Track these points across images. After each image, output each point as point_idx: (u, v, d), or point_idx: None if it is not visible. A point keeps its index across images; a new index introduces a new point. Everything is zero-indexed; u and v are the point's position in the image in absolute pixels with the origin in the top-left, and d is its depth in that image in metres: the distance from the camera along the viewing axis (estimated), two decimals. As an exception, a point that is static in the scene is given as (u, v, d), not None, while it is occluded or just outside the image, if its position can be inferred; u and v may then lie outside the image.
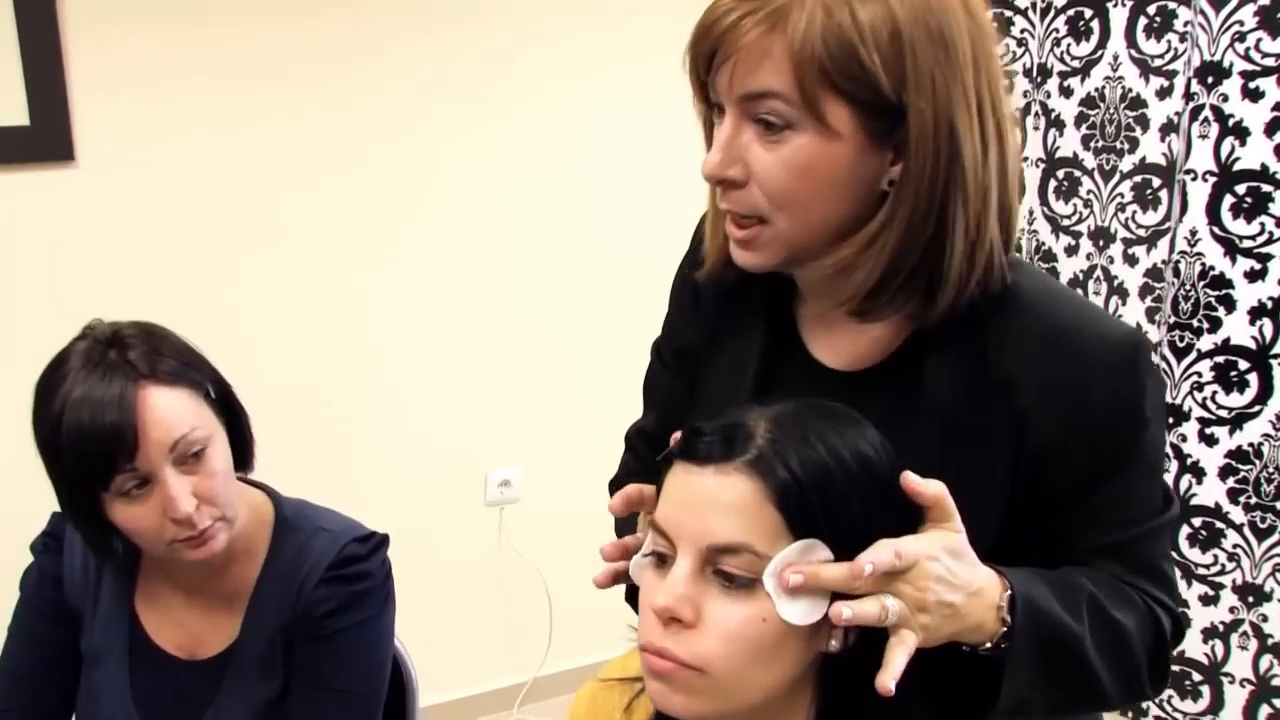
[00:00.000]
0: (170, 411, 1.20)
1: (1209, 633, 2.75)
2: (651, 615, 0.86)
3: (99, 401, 1.17)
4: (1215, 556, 2.71)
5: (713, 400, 1.09)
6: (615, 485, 1.26)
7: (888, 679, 0.82)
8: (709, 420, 0.89)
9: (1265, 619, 2.67)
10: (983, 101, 0.92)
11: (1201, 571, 2.73)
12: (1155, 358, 2.64)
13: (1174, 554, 2.77)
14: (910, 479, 0.86)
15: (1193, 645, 2.78)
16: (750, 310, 1.10)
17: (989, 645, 0.89)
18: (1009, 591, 0.88)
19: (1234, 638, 2.73)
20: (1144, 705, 2.90)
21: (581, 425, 2.88)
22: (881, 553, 0.83)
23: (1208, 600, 2.72)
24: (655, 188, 2.86)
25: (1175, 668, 2.77)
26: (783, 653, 0.85)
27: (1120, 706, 0.97)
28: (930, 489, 0.86)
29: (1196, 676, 2.80)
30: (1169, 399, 2.68)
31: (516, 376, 2.81)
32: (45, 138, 2.24)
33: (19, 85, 2.18)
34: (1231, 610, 2.71)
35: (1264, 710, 2.72)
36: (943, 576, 0.84)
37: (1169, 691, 2.84)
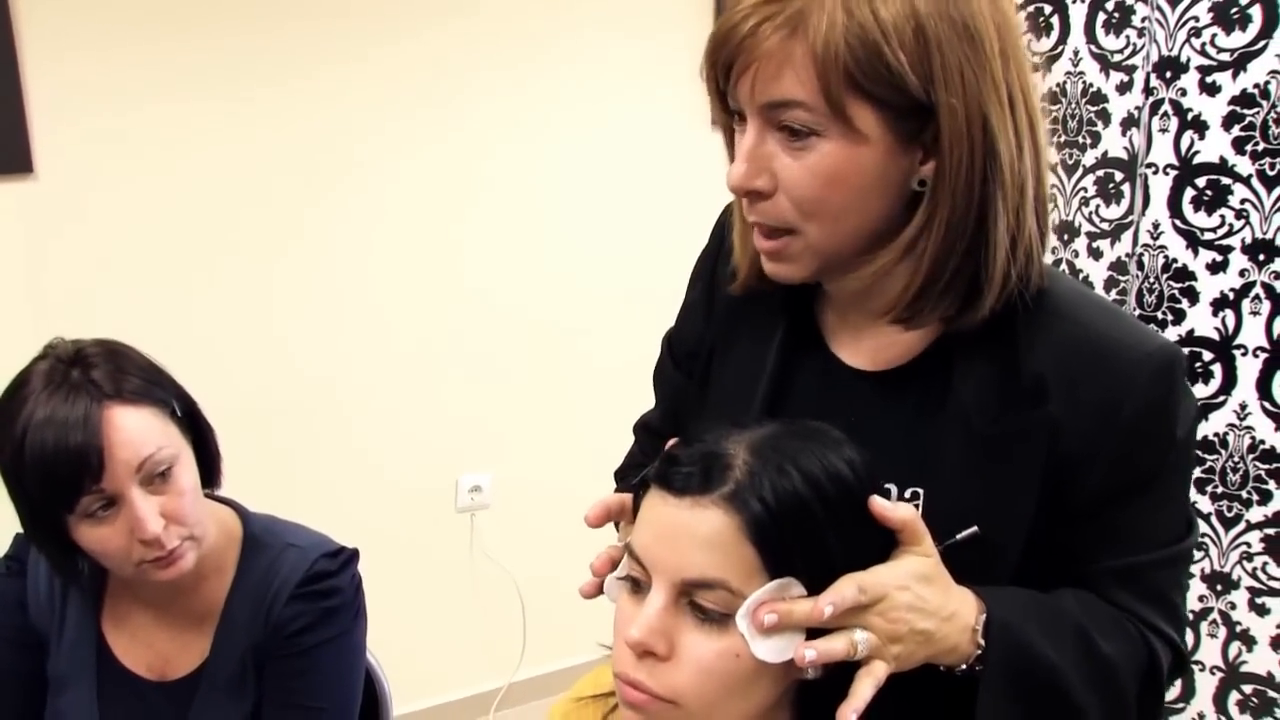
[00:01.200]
0: (136, 431, 1.20)
1: (1179, 622, 2.78)
2: (626, 649, 0.85)
3: (63, 422, 1.16)
4: (1184, 546, 2.74)
5: (726, 399, 1.06)
6: (620, 475, 1.24)
7: (849, 711, 0.82)
8: (687, 448, 0.87)
9: (1234, 606, 2.70)
10: (1014, 93, 0.89)
11: (1171, 561, 2.76)
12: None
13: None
14: (878, 504, 0.85)
15: (1163, 634, 2.82)
16: (770, 308, 1.06)
17: (964, 666, 0.88)
18: (984, 615, 0.88)
19: (1204, 626, 2.76)
20: (1116, 695, 2.93)
21: (550, 431, 2.89)
22: (844, 591, 0.82)
23: (1177, 590, 2.76)
24: (626, 199, 2.87)
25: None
26: (757, 685, 0.85)
27: None
28: (898, 513, 0.85)
29: (1168, 665, 2.83)
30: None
31: (486, 383, 2.82)
32: (3, 151, 2.23)
33: (-26, 100, 2.17)
34: (1201, 599, 2.74)
35: (1233, 696, 2.75)
36: (914, 605, 0.84)
37: (1140, 681, 2.87)
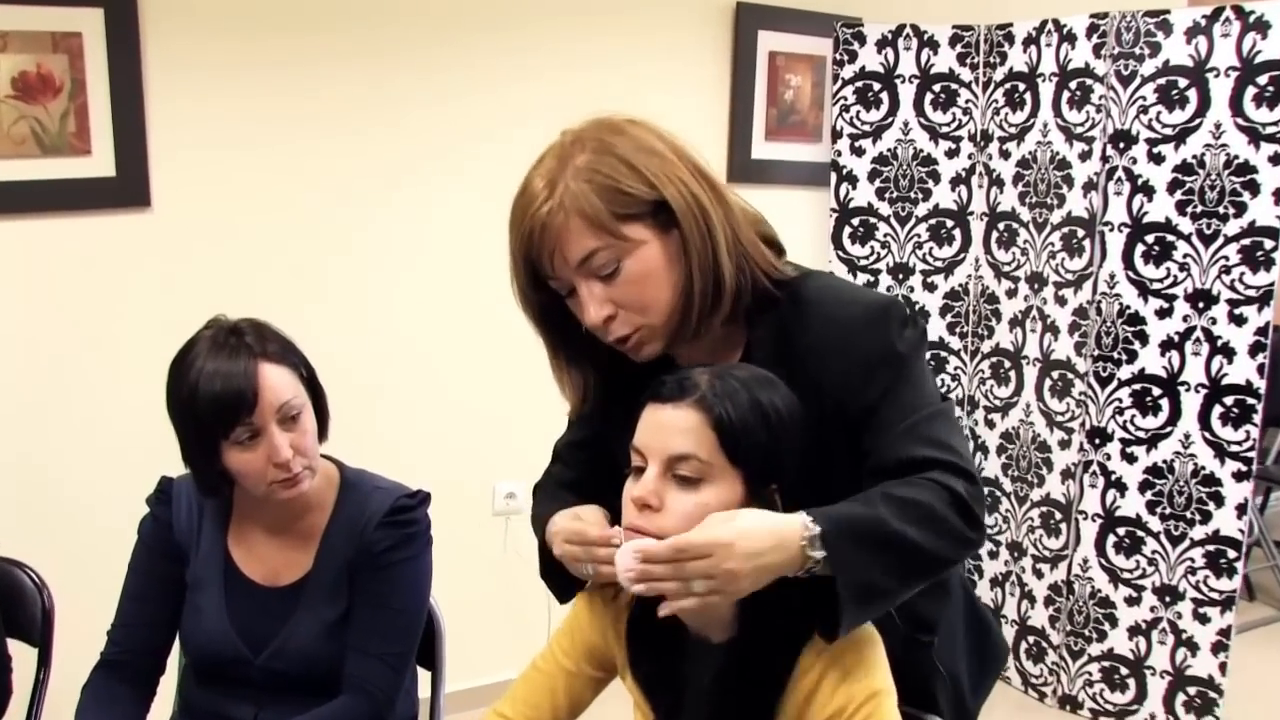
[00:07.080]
0: (278, 382, 1.56)
1: (1133, 630, 3.07)
2: (631, 505, 1.22)
3: (228, 373, 1.52)
4: (1137, 562, 3.04)
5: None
6: (537, 490, 1.57)
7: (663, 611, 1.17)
8: (670, 376, 1.25)
9: (1180, 616, 3.00)
10: (704, 183, 1.29)
11: (1126, 575, 3.06)
12: (1081, 384, 3.01)
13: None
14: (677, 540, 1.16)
15: (1120, 642, 3.10)
16: (637, 366, 1.41)
17: (808, 569, 1.18)
18: (807, 529, 1.17)
19: (1154, 634, 3.06)
20: (1079, 698, 3.21)
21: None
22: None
23: (1132, 601, 3.06)
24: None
25: (1105, 664, 3.11)
26: None
27: (954, 557, 1.28)
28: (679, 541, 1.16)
29: (1124, 670, 3.12)
30: (1097, 423, 3.02)
31: (523, 403, 3.09)
32: (127, 188, 2.62)
33: (110, 147, 2.57)
34: (1152, 609, 3.05)
35: (1180, 697, 3.05)
36: (748, 552, 1.14)
37: (1100, 685, 3.16)
